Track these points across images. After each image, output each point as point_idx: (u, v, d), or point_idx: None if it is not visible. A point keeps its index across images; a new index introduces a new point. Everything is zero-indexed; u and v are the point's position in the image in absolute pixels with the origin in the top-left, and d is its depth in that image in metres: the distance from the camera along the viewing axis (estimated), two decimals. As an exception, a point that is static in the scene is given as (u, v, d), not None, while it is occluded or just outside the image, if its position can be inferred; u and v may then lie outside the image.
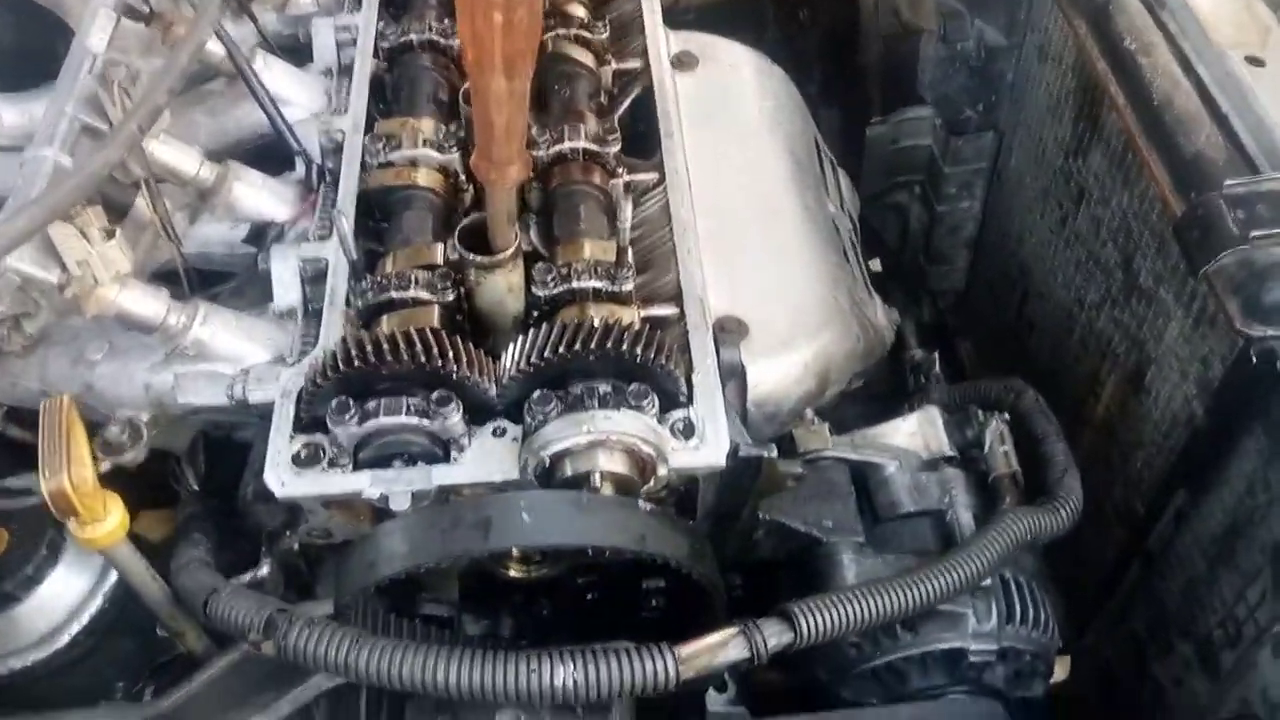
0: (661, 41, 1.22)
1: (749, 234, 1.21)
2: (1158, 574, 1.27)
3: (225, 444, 1.10)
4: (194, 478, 1.08)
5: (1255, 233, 0.95)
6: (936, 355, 1.30)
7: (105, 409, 0.99)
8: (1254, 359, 0.98)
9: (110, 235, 0.87)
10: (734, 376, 1.00)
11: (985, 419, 1.09)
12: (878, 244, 1.81)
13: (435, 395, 0.85)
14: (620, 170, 1.09)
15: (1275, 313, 0.96)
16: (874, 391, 1.31)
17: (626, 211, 0.94)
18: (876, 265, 1.75)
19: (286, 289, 1.02)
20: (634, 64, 1.22)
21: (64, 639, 0.96)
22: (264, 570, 0.93)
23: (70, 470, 0.72)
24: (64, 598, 0.97)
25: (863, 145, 1.74)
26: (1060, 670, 1.20)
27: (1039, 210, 1.50)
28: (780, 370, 1.10)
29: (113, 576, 0.98)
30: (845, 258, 1.31)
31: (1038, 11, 1.41)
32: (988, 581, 0.98)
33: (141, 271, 1.01)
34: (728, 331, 1.04)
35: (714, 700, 0.93)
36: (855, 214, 1.49)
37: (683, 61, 1.33)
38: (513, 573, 0.98)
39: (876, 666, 0.97)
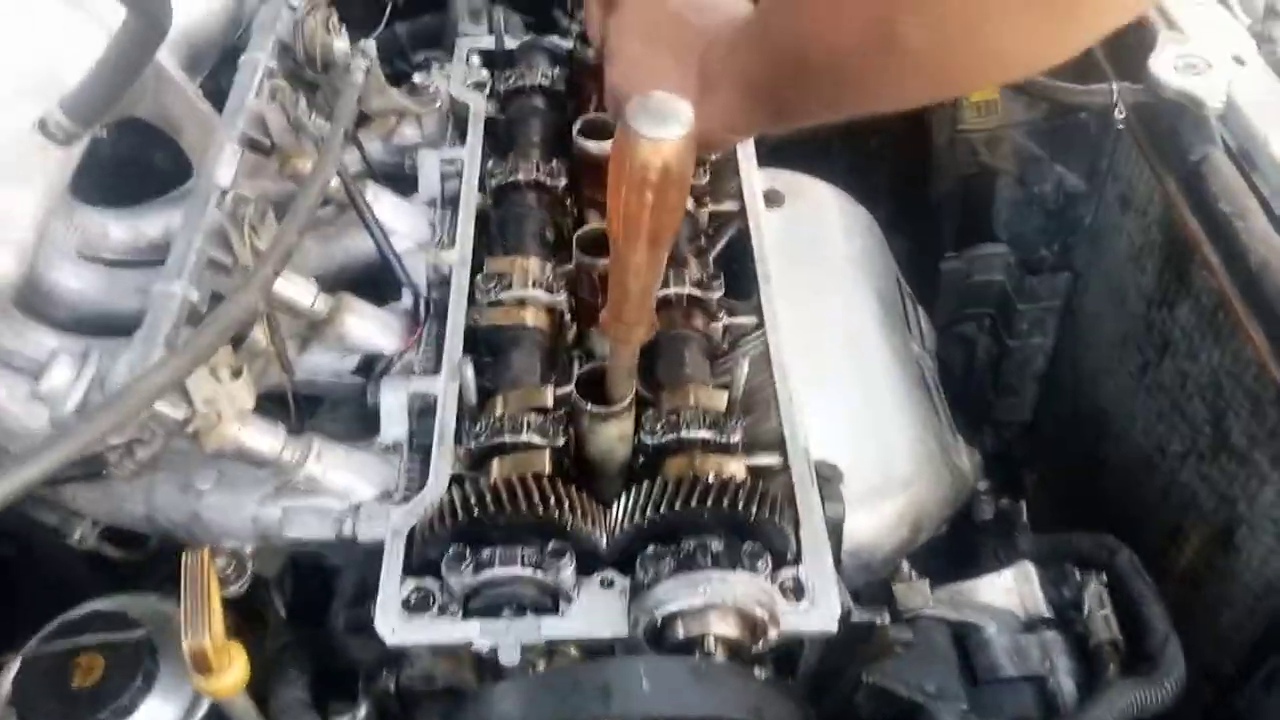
0: (756, 184, 1.24)
1: (841, 375, 1.22)
2: (1246, 735, 1.24)
3: (313, 569, 1.10)
4: (281, 603, 1.08)
5: (1370, 412, 0.95)
6: (1024, 504, 1.29)
7: (210, 539, 0.99)
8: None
9: (237, 374, 0.89)
10: (834, 530, 0.99)
11: (1083, 580, 1.07)
12: (943, 372, 1.82)
13: (551, 547, 0.85)
14: (721, 314, 1.11)
15: (1388, 491, 0.95)
16: (957, 535, 1.30)
17: (742, 369, 0.95)
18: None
19: (393, 422, 1.03)
20: (729, 205, 1.24)
21: (154, 770, 0.94)
22: (361, 712, 0.92)
23: (211, 630, 0.72)
24: (155, 728, 0.96)
25: (931, 276, 1.76)
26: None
27: (1117, 354, 1.50)
28: (875, 519, 1.10)
29: (203, 708, 0.98)
30: (931, 400, 1.31)
31: (1121, 161, 1.44)
32: (1091, 756, 0.96)
33: (252, 398, 1.02)
34: (824, 478, 1.04)
35: None
36: (934, 351, 1.50)
37: (770, 199, 1.36)
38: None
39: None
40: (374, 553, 0.93)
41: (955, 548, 1.29)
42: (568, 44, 1.39)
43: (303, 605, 1.10)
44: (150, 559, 1.16)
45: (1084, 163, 1.51)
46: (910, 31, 0.66)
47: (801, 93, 0.82)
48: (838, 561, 1.02)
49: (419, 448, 1.02)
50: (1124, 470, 1.51)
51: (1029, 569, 1.10)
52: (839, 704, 0.97)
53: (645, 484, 0.89)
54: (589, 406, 0.92)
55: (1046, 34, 0.64)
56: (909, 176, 1.86)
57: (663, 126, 0.68)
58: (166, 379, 0.76)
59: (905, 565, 1.07)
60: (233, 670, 0.76)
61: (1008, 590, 1.08)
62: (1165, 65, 1.21)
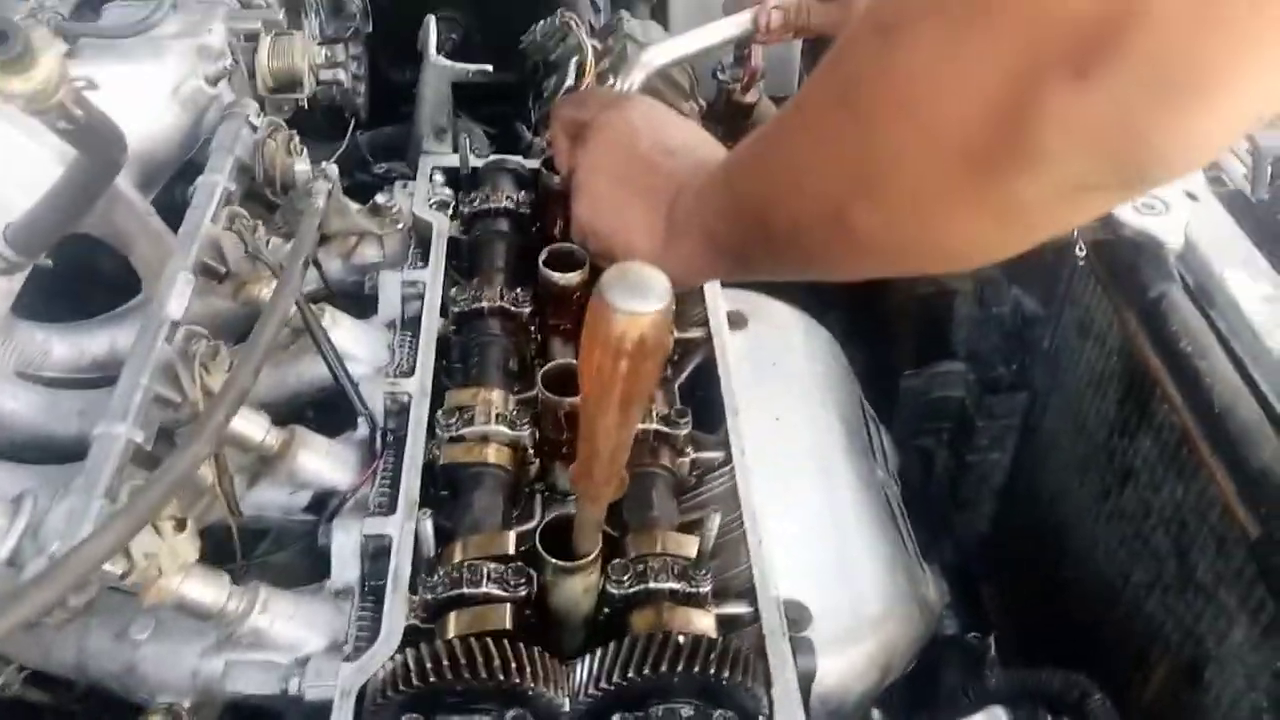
0: (722, 312, 1.23)
1: (809, 507, 1.21)
2: None
3: (256, 715, 1.04)
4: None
5: (1339, 564, 0.95)
6: (992, 640, 1.27)
7: (146, 692, 0.93)
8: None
9: (181, 527, 0.85)
10: (804, 680, 0.96)
11: (1056, 726, 1.05)
12: (903, 483, 1.81)
13: (510, 715, 0.81)
14: (688, 449, 1.08)
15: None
16: (923, 667, 1.27)
17: (713, 523, 0.92)
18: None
19: (345, 566, 0.99)
20: (695, 333, 1.23)
21: None
22: None
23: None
24: None
25: (888, 389, 1.76)
26: None
27: (1078, 478, 1.50)
28: (845, 664, 1.07)
29: None
30: (898, 529, 1.29)
31: (1078, 289, 1.46)
32: None
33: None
34: (793, 621, 1.01)
35: None
36: (897, 474, 1.49)
37: (733, 321, 1.35)
38: None
39: None
40: (321, 711, 0.87)
41: (917, 669, 1.26)
42: (533, 163, 1.38)
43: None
44: (79, 700, 1.09)
45: (1040, 287, 1.53)
46: (861, 216, 0.67)
47: (764, 252, 0.82)
48: (807, 711, 0.99)
49: (371, 590, 0.98)
50: (1086, 593, 1.50)
51: (999, 714, 1.07)
52: None
53: (611, 645, 0.85)
54: (554, 561, 0.88)
55: (993, 234, 0.64)
56: (864, 288, 1.88)
57: (640, 300, 0.66)
58: (108, 546, 0.72)
59: (876, 714, 1.03)
60: None
61: (980, 738, 1.05)
62: (1125, 206, 1.24)
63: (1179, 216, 1.23)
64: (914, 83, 0.58)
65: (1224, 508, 1.11)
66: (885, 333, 1.83)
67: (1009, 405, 1.65)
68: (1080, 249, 1.31)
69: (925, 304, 1.69)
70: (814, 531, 1.15)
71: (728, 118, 1.75)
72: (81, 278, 1.38)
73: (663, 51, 1.18)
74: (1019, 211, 0.60)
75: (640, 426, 1.05)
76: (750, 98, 1.72)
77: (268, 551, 1.12)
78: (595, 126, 1.02)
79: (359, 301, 1.30)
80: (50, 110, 0.69)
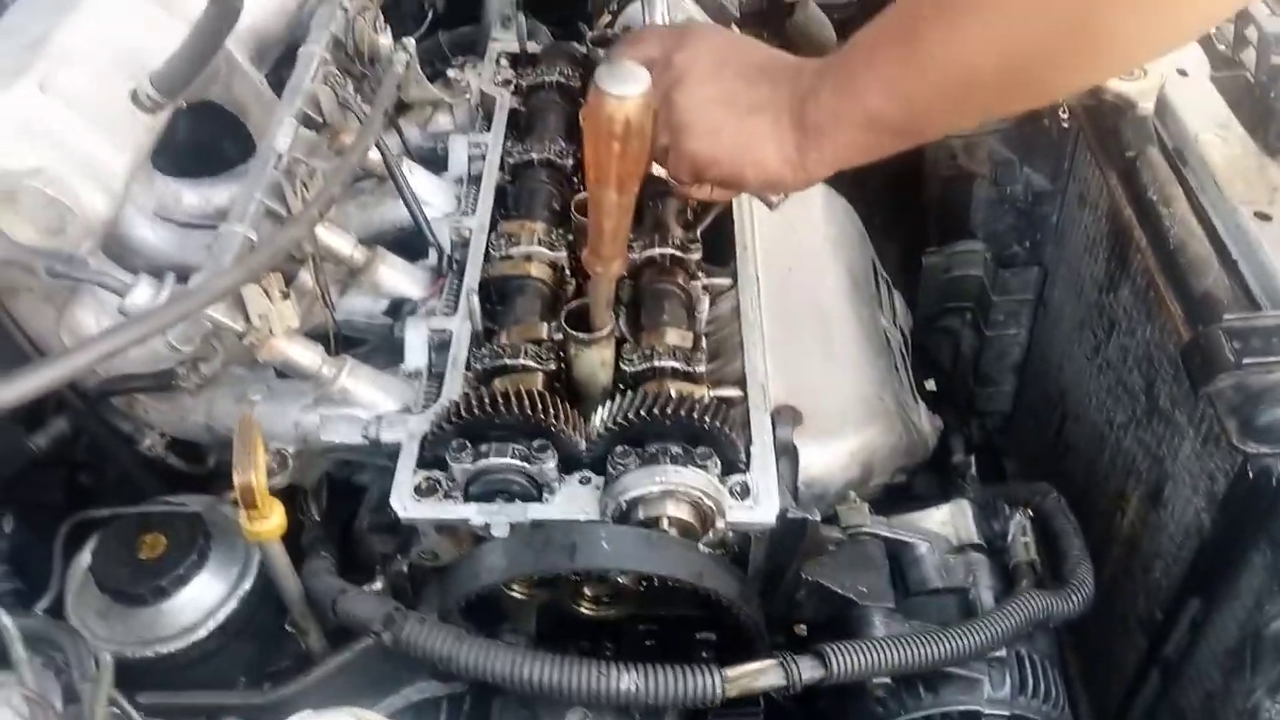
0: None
1: (808, 337, 1.38)
2: (1176, 684, 1.36)
3: (345, 485, 1.29)
4: (317, 510, 1.26)
5: (1248, 360, 1.09)
6: (972, 459, 1.44)
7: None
8: (1251, 474, 1.11)
9: (286, 296, 1.08)
10: (787, 454, 1.15)
11: (1010, 513, 1.22)
12: (932, 366, 1.97)
13: (536, 444, 1.03)
14: (699, 274, 1.28)
15: (1269, 432, 1.09)
16: (919, 493, 1.45)
17: (703, 307, 1.12)
18: (931, 385, 1.90)
19: (415, 353, 1.21)
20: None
21: (201, 633, 1.12)
22: (378, 585, 1.09)
23: (256, 471, 0.90)
24: (205, 599, 1.13)
25: (919, 275, 1.91)
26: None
27: (1076, 340, 1.64)
28: (828, 456, 1.25)
29: (245, 585, 1.15)
30: (895, 366, 1.47)
31: (1079, 162, 1.59)
32: (1004, 654, 1.10)
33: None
34: (783, 416, 1.20)
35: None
36: (908, 330, 1.65)
37: (758, 188, 1.53)
38: (584, 610, 1.14)
39: (900, 723, 1.09)
40: (394, 454, 1.10)
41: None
42: (583, 49, 1.58)
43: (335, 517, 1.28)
44: (210, 474, 1.35)
45: (1049, 164, 1.66)
46: (1110, 10, 0.69)
47: (955, 106, 0.86)
48: (795, 489, 1.19)
49: (435, 375, 1.20)
50: (1082, 446, 1.64)
51: (964, 504, 1.25)
52: (784, 601, 1.13)
53: (619, 399, 1.06)
54: (574, 333, 1.09)
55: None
56: (903, 184, 2.03)
57: (625, 86, 0.85)
58: (227, 284, 0.95)
59: (852, 494, 1.22)
60: (274, 516, 0.94)
61: (943, 521, 1.23)
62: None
63: (1152, 83, 1.36)
64: None
65: (1177, 335, 1.25)
66: (914, 219, 1.98)
67: (1022, 280, 1.80)
68: (1064, 111, 1.45)
69: (947, 186, 1.84)
70: (808, 353, 1.33)
71: (770, 18, 1.91)
72: (207, 150, 1.64)
73: None
74: None
75: (657, 251, 1.25)
76: (790, -3, 1.87)
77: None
78: (676, 64, 1.01)
79: (433, 165, 1.52)
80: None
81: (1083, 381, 1.63)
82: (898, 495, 1.38)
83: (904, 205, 2.03)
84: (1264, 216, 1.27)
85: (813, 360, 1.34)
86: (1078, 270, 1.62)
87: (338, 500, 1.28)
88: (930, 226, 1.94)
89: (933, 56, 0.83)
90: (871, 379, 1.37)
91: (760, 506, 1.03)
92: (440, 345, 1.21)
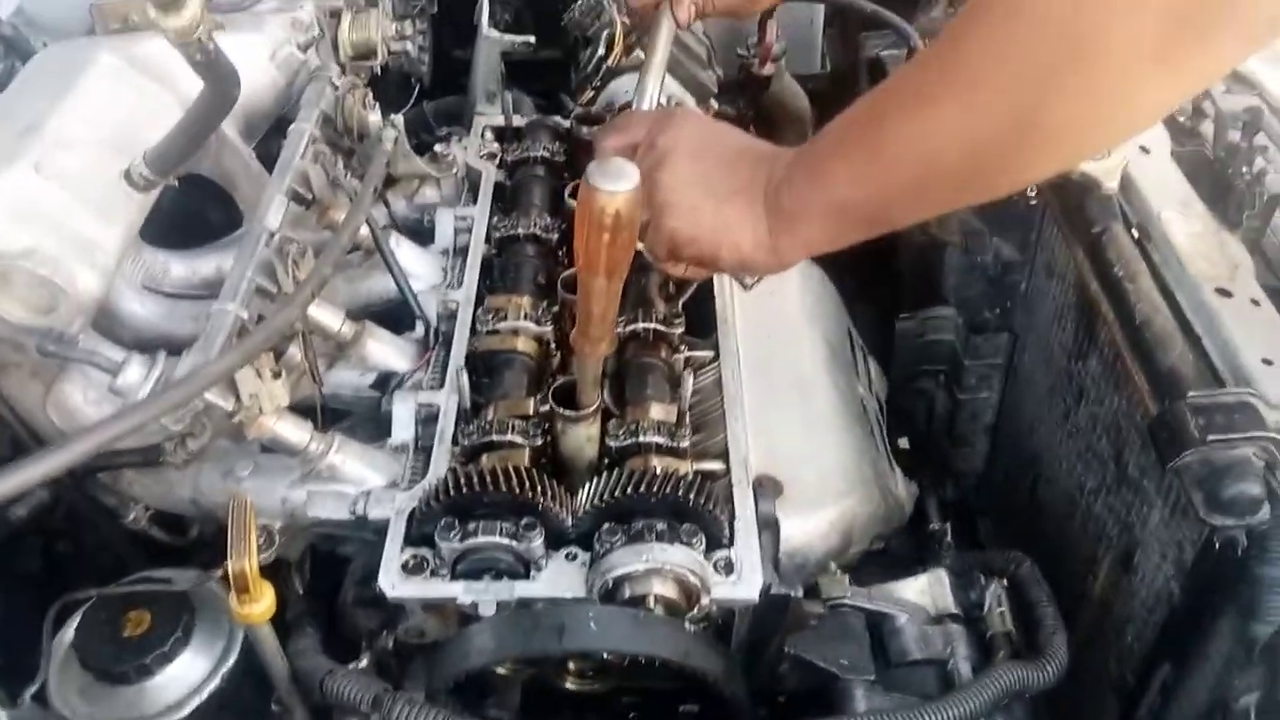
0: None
1: (788, 407, 1.42)
2: (1150, 748, 1.39)
3: (329, 558, 1.29)
4: (301, 583, 1.27)
5: (1212, 436, 1.13)
6: (949, 526, 1.47)
7: (246, 517, 1.19)
8: (1218, 545, 1.15)
9: (277, 375, 1.10)
10: (769, 527, 1.18)
11: (986, 583, 1.25)
12: (907, 425, 2.01)
13: (524, 522, 1.04)
14: (682, 347, 1.31)
15: (1233, 505, 1.13)
16: (897, 557, 1.48)
17: (687, 384, 1.15)
18: (905, 443, 1.94)
19: (402, 428, 1.23)
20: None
21: (185, 711, 1.12)
22: (363, 663, 1.10)
23: (249, 557, 0.92)
24: (189, 676, 1.13)
25: (893, 339, 1.96)
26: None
27: (1047, 405, 1.69)
28: (809, 526, 1.28)
29: (229, 662, 1.15)
30: (871, 433, 1.50)
31: (1046, 234, 1.64)
32: (982, 725, 1.12)
33: (286, 404, 1.23)
34: (765, 488, 1.23)
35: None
36: (883, 397, 1.69)
37: (738, 259, 1.57)
38: (569, 685, 1.15)
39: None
40: (381, 541, 1.11)
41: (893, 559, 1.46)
42: (566, 123, 1.62)
43: (318, 590, 1.29)
44: (192, 545, 1.35)
45: (1017, 235, 1.71)
46: (1058, 108, 0.71)
47: (915, 200, 0.89)
48: (777, 561, 1.21)
49: (422, 449, 1.22)
50: (1054, 510, 1.68)
51: (941, 574, 1.27)
52: (767, 673, 1.14)
53: (605, 475, 1.08)
54: (561, 410, 1.11)
55: (1188, 87, 0.72)
56: (876, 247, 2.07)
57: (616, 182, 0.89)
58: (222, 369, 0.97)
59: (832, 565, 1.24)
60: (264, 600, 0.95)
61: (921, 591, 1.25)
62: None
63: (1116, 163, 1.42)
64: None
65: (1143, 407, 1.29)
66: (888, 282, 2.03)
67: (993, 346, 1.84)
68: (1031, 190, 1.50)
69: (920, 254, 1.88)
70: (788, 424, 1.36)
71: (746, 90, 1.97)
72: (194, 221, 1.66)
73: (651, 81, 1.25)
74: (1216, 60, 0.67)
75: (641, 326, 1.28)
76: (767, 70, 1.93)
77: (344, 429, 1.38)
78: (660, 145, 1.04)
79: (419, 236, 1.55)
80: (192, 44, 0.94)
81: (1053, 445, 1.67)
82: (875, 557, 1.41)
83: (878, 269, 2.07)
84: (1225, 293, 1.32)
85: (793, 429, 1.37)
86: (1047, 338, 1.67)
87: (322, 571, 1.29)
88: (903, 291, 1.99)
89: (898, 148, 0.86)
90: (850, 448, 1.40)
91: (744, 582, 1.05)
92: (427, 419, 1.23)
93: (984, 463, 2.05)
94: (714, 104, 1.78)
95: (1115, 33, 0.67)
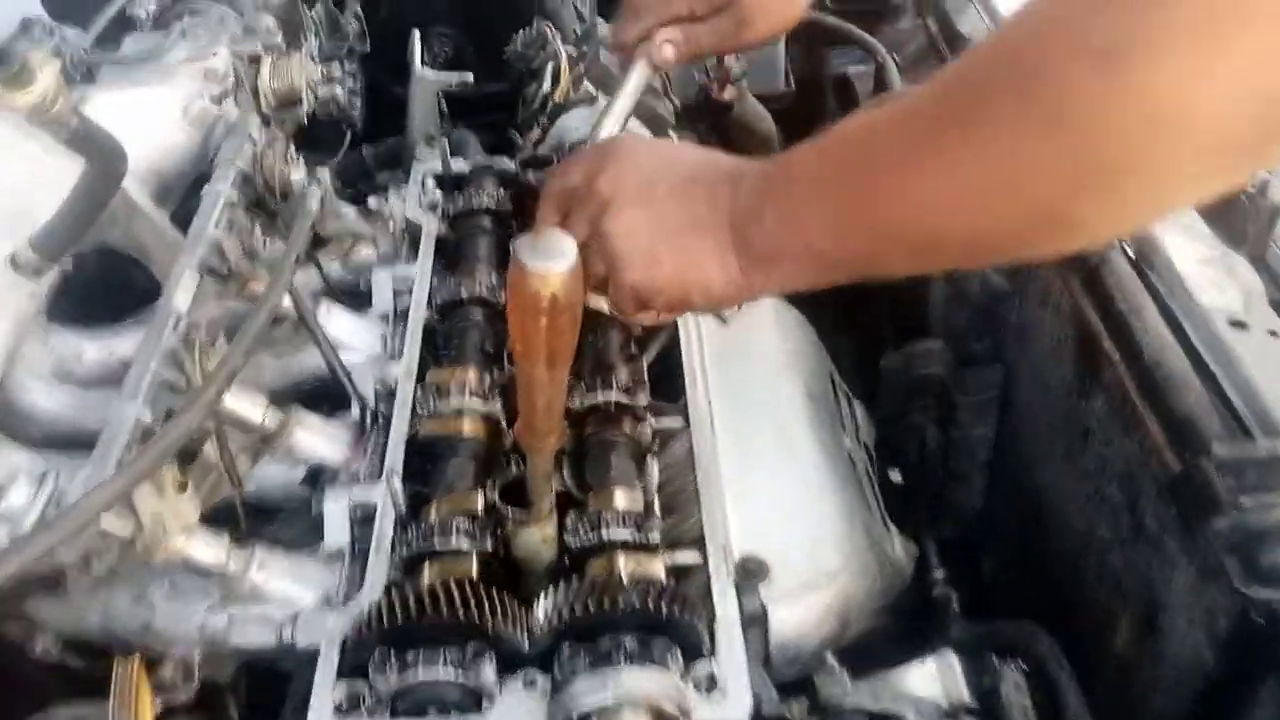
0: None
1: (769, 471, 1.28)
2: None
3: (267, 673, 1.15)
4: (236, 707, 1.12)
5: (1244, 498, 1.01)
6: (954, 594, 1.34)
7: (162, 647, 1.04)
8: (1258, 619, 1.02)
9: (183, 489, 0.96)
10: (755, 624, 1.05)
11: (1000, 669, 1.12)
12: (899, 461, 1.88)
13: (471, 648, 0.91)
14: (648, 416, 1.18)
15: (1274, 574, 1.01)
16: (899, 612, 1.35)
17: (654, 469, 1.02)
18: (897, 475, 1.82)
19: (336, 530, 1.09)
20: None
21: None
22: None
23: (138, 731, 0.77)
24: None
25: (877, 371, 1.83)
26: None
27: (1048, 442, 1.56)
28: (801, 613, 1.15)
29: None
30: (862, 491, 1.37)
31: (1037, 261, 1.52)
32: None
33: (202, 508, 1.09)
34: (749, 572, 1.10)
35: None
36: (871, 445, 1.56)
37: (707, 305, 1.44)
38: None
39: None
40: (314, 658, 0.98)
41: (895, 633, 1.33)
42: (514, 166, 1.49)
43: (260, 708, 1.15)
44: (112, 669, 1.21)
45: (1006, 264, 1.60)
46: (1086, 209, 0.66)
47: (912, 261, 0.83)
48: (767, 657, 1.08)
49: (360, 553, 1.08)
50: (1063, 554, 1.55)
51: (951, 658, 1.14)
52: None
53: (565, 587, 0.94)
54: (512, 512, 0.98)
55: (1217, 187, 0.66)
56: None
57: (550, 260, 0.76)
58: (110, 496, 0.83)
59: (829, 657, 1.11)
60: (164, 774, 0.81)
61: (931, 679, 1.12)
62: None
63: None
64: (1159, 99, 0.58)
65: (1158, 456, 1.17)
66: (871, 322, 1.90)
67: (985, 379, 1.72)
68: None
69: (902, 288, 1.76)
70: (773, 493, 1.23)
71: (708, 116, 1.85)
72: (116, 287, 1.51)
73: (610, 123, 1.13)
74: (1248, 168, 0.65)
75: (601, 399, 1.15)
76: (728, 95, 1.81)
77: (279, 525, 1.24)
78: (600, 190, 0.93)
79: (356, 298, 1.41)
80: (51, 121, 0.80)
81: (1058, 486, 1.55)
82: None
83: (857, 300, 1.95)
84: (1240, 325, 1.20)
85: (776, 498, 1.24)
86: (1044, 372, 1.54)
87: (260, 686, 1.15)
88: (885, 322, 1.87)
89: (889, 213, 0.76)
90: (841, 514, 1.26)
91: (730, 701, 0.92)
92: (364, 519, 1.09)
93: (982, 498, 1.93)
94: (672, 135, 1.65)
95: (1158, 156, 0.61)
